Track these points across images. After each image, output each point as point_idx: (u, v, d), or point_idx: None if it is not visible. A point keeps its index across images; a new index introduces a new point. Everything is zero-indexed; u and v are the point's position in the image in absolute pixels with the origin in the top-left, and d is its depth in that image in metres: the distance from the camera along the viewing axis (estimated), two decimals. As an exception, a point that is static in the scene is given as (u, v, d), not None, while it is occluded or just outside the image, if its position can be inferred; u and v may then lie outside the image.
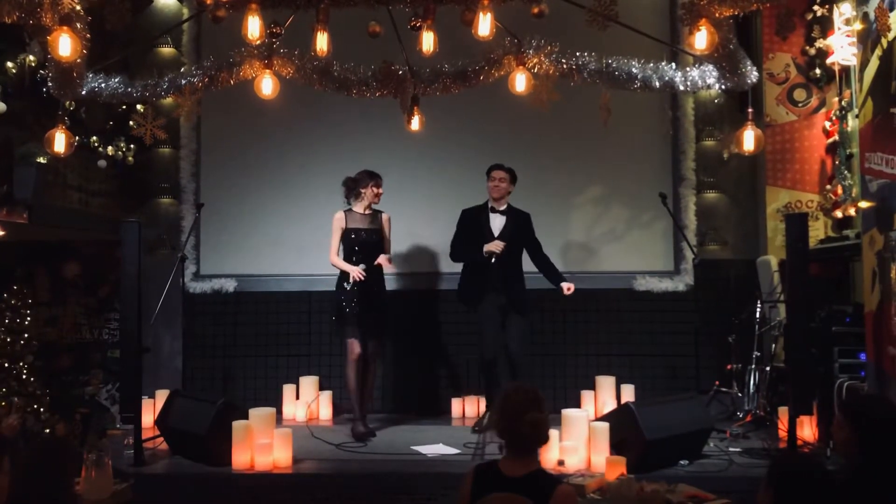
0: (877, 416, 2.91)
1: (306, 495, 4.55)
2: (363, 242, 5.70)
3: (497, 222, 5.79)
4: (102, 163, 6.23)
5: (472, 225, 5.84)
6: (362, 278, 5.52)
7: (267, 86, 5.04)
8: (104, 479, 3.96)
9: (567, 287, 5.73)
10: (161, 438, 5.29)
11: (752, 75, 5.03)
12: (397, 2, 4.78)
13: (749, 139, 4.91)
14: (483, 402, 6.10)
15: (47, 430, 5.28)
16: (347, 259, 5.71)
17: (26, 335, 5.44)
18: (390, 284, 6.30)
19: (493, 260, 5.61)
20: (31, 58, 5.26)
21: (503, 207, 5.82)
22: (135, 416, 4.94)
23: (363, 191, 5.73)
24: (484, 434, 5.47)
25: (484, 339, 5.71)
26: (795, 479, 2.57)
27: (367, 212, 5.80)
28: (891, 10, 4.48)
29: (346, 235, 5.73)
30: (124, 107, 6.32)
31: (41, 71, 5.23)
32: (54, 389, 5.62)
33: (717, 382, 6.14)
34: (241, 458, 4.73)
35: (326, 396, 6.42)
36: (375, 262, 5.65)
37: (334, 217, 5.78)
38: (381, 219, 5.84)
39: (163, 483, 4.71)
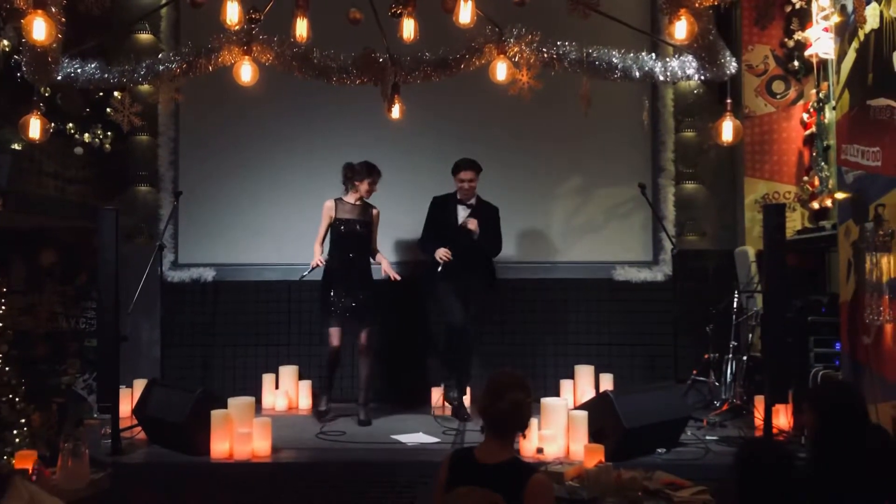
0: (834, 401, 2.96)
1: (285, 484, 4.54)
2: (350, 233, 5.73)
3: (462, 214, 5.81)
4: (79, 150, 6.15)
5: (440, 214, 5.88)
6: (321, 264, 5.63)
7: (246, 72, 5.00)
8: (81, 468, 3.96)
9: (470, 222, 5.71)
10: (139, 428, 5.25)
11: (732, 66, 5.07)
12: (378, -12, 4.76)
13: (727, 130, 4.94)
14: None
15: (23, 420, 5.22)
16: (333, 249, 5.76)
17: (1, 324, 5.36)
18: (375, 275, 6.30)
19: (439, 269, 5.63)
20: (6, 42, 5.18)
21: (472, 201, 5.84)
22: (112, 406, 4.90)
23: (358, 184, 5.74)
24: (463, 416, 5.53)
25: (446, 309, 5.79)
26: (757, 466, 2.61)
27: (357, 203, 5.80)
28: (868, 2, 4.52)
29: (335, 225, 5.76)
30: (101, 93, 6.23)
31: (16, 56, 5.15)
32: (30, 379, 5.54)
33: (694, 371, 6.19)
34: (220, 447, 4.71)
35: (306, 386, 6.40)
36: (383, 272, 5.78)
37: (325, 205, 5.81)
38: (372, 213, 5.86)
39: (140, 472, 4.68)
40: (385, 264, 5.89)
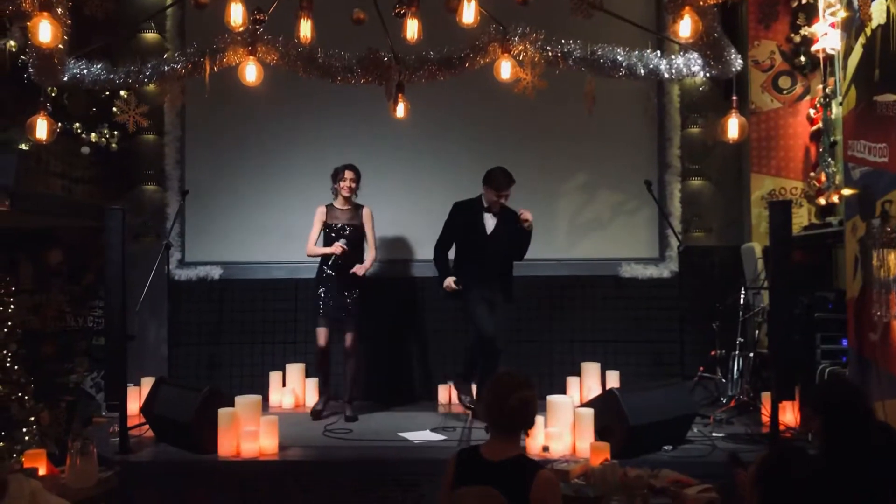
0: (835, 399, 2.94)
1: (293, 482, 4.56)
2: (339, 238, 5.78)
3: (490, 222, 5.72)
4: (86, 149, 6.17)
5: (463, 221, 5.75)
6: (343, 250, 5.65)
7: (251, 73, 5.01)
8: (89, 466, 3.97)
9: (524, 216, 5.61)
10: (146, 426, 5.29)
11: (737, 63, 5.05)
12: (381, -12, 4.76)
13: (733, 127, 4.94)
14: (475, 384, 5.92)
15: (32, 419, 5.25)
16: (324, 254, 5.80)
17: (10, 323, 5.39)
18: (376, 272, 6.30)
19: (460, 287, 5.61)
20: (12, 43, 5.21)
21: (497, 209, 5.73)
22: (120, 404, 4.93)
23: (337, 186, 5.82)
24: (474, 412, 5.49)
25: (478, 319, 5.58)
26: (783, 468, 2.61)
27: (346, 206, 5.83)
28: (873, -1, 4.49)
29: (326, 230, 5.82)
30: (107, 93, 6.25)
31: (22, 56, 5.18)
32: (39, 378, 5.58)
33: (701, 368, 6.19)
34: (227, 445, 4.74)
35: (313, 383, 6.42)
36: (350, 272, 5.72)
37: (317, 210, 5.89)
38: (363, 214, 5.87)
39: (148, 471, 4.72)
40: (363, 266, 5.78)
